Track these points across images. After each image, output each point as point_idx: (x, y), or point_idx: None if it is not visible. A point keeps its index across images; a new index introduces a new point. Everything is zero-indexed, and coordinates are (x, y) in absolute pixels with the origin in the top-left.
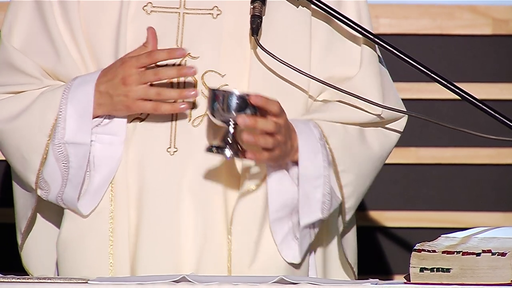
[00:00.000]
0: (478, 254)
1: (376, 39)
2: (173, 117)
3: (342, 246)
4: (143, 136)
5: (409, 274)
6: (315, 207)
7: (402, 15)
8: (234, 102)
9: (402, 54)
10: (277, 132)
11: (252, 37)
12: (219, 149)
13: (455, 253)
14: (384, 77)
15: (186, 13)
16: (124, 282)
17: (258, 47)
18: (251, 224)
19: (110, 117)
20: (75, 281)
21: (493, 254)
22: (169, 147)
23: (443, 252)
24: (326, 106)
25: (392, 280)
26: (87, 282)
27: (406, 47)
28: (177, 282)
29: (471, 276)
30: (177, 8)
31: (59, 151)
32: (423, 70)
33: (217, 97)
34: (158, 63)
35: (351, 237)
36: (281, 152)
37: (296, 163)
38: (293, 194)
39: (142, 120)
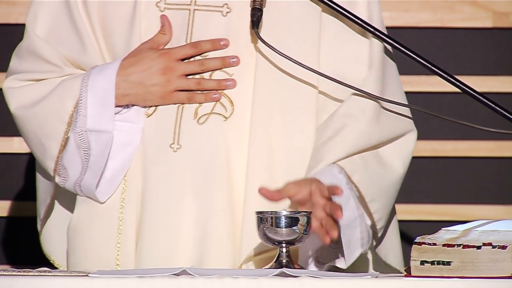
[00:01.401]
0: (478, 247)
1: (376, 32)
2: (178, 114)
3: (380, 255)
4: (148, 132)
5: (409, 267)
6: (356, 245)
7: (403, 8)
8: (283, 222)
9: (402, 47)
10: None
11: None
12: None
13: (456, 246)
14: (389, 77)
15: (197, 9)
16: (124, 276)
17: (264, 43)
18: None
19: (128, 105)
20: (76, 274)
21: (493, 247)
22: (173, 143)
23: (444, 245)
24: (339, 136)
25: (392, 273)
26: (87, 275)
27: (407, 40)
28: (178, 275)
29: (472, 269)
30: (188, 4)
31: (80, 139)
32: (423, 63)
33: (265, 220)
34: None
35: (394, 241)
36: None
37: None
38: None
39: (149, 115)
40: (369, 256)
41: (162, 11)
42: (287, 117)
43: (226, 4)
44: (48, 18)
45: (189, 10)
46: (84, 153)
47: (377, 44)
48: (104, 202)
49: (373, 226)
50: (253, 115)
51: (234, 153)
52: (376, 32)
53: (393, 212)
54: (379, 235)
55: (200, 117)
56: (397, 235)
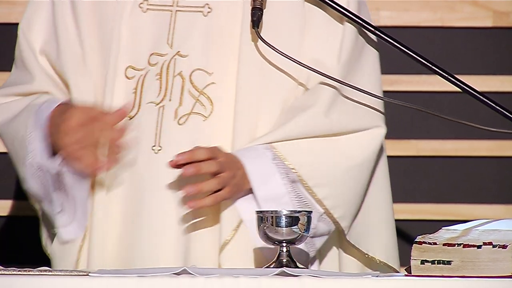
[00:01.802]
0: (479, 247)
1: (376, 32)
2: (159, 115)
3: (360, 248)
4: (130, 133)
5: (410, 267)
6: None
7: (403, 7)
8: (283, 221)
9: (402, 47)
10: (221, 170)
11: (243, 34)
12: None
13: (456, 245)
14: (363, 67)
15: (179, 10)
16: (124, 275)
17: (247, 43)
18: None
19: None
20: (76, 274)
21: (494, 246)
22: (154, 145)
23: (444, 245)
24: (281, 126)
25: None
26: (88, 275)
27: (407, 40)
28: (178, 275)
29: (472, 268)
30: (171, 5)
31: (31, 171)
32: (424, 63)
33: (265, 219)
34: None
35: (383, 234)
36: (232, 188)
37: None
38: None
39: (131, 117)
40: (337, 250)
41: (144, 12)
42: (271, 114)
43: (207, 4)
44: (40, 24)
45: (171, 11)
46: (38, 183)
47: (349, 33)
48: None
49: (328, 214)
50: (237, 113)
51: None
52: (375, 30)
53: (380, 203)
54: (343, 225)
55: (180, 118)
56: (388, 229)
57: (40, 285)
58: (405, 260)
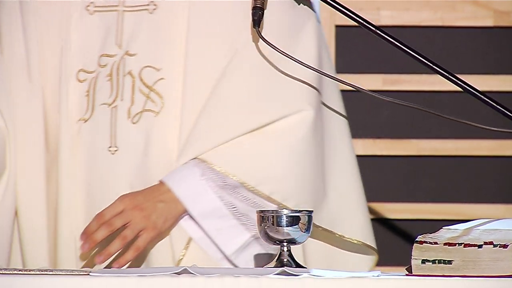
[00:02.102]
0: (479, 246)
1: (377, 31)
2: (113, 116)
3: (335, 231)
4: (87, 137)
5: (410, 266)
6: (236, 232)
7: (404, 7)
8: (284, 221)
9: (403, 46)
10: (126, 220)
11: (189, 29)
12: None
13: (457, 245)
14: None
15: (125, 10)
16: (125, 274)
17: (194, 38)
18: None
19: None
20: (77, 273)
21: (494, 246)
22: (110, 146)
23: (445, 244)
24: (196, 131)
25: (393, 272)
26: (88, 274)
27: (408, 39)
28: (179, 274)
29: (473, 268)
30: (117, 6)
31: None
32: (424, 62)
33: (266, 218)
34: None
35: (355, 213)
36: (154, 225)
37: None
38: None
39: (85, 120)
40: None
41: (91, 14)
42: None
43: (152, 1)
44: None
45: (118, 11)
46: None
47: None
48: None
49: (283, 207)
50: (183, 107)
51: (169, 147)
52: (376, 30)
53: (347, 184)
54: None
55: (134, 116)
56: (360, 209)
57: (41, 284)
58: (405, 260)
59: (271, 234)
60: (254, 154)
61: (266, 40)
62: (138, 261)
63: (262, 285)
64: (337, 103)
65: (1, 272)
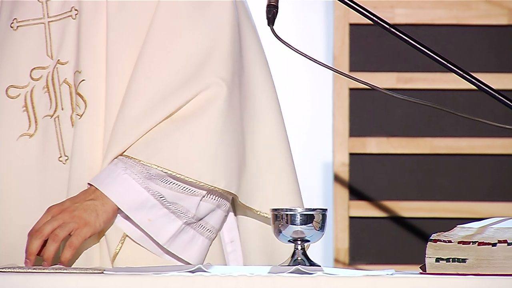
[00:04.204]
0: (494, 244)
1: (391, 29)
2: (57, 126)
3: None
4: (35, 151)
5: (424, 265)
6: (167, 220)
7: (418, 5)
8: (298, 219)
9: (417, 44)
10: (55, 225)
11: (109, 29)
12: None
13: (471, 243)
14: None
15: (51, 21)
16: (139, 273)
17: (114, 39)
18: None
19: None
20: (91, 272)
21: (508, 244)
22: (60, 157)
23: (459, 243)
24: (114, 129)
25: (407, 270)
26: (102, 273)
27: (422, 37)
28: (193, 273)
29: (487, 266)
30: (41, 18)
31: None
32: (439, 60)
33: (279, 217)
34: None
35: (276, 185)
36: (83, 223)
37: None
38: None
39: (31, 135)
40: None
41: (15, 30)
42: None
43: (73, 6)
44: None
45: (44, 23)
46: None
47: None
48: None
49: (214, 189)
50: (107, 108)
51: (96, 149)
52: (390, 28)
53: (272, 152)
54: (234, 189)
55: (73, 122)
56: (280, 178)
57: (54, 283)
58: (419, 258)
59: (284, 232)
60: (174, 141)
61: (282, 39)
62: (74, 259)
63: (276, 284)
64: (257, 59)
65: (16, 271)
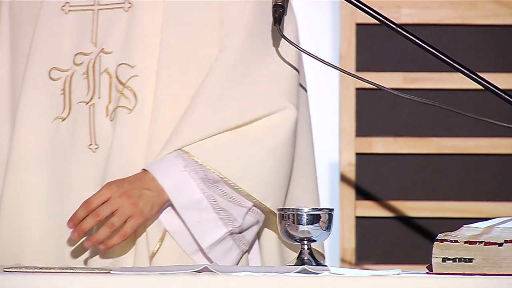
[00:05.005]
0: (500, 244)
1: (397, 29)
2: (91, 114)
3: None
4: (65, 135)
5: (431, 264)
6: (213, 226)
7: (424, 5)
8: (304, 219)
9: (424, 44)
10: (113, 208)
11: (165, 27)
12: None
13: (477, 243)
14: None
15: (100, 9)
16: (146, 272)
17: (169, 37)
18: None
19: None
20: (98, 272)
21: None
22: (91, 144)
23: (465, 242)
24: (182, 123)
25: (414, 270)
26: (109, 272)
27: (428, 37)
28: (199, 272)
29: (493, 266)
30: (92, 5)
31: None
32: (445, 60)
33: (286, 217)
34: None
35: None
36: (140, 213)
37: None
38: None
39: (63, 119)
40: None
41: (66, 14)
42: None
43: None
44: None
45: (93, 10)
46: None
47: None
48: None
49: (260, 205)
50: (155, 105)
51: (141, 145)
52: (397, 28)
53: (305, 185)
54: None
55: (111, 113)
56: (311, 198)
57: (62, 282)
58: (426, 258)
59: (291, 232)
60: (237, 151)
61: (287, 38)
62: (123, 247)
63: (282, 284)
64: (304, 102)
65: (23, 271)
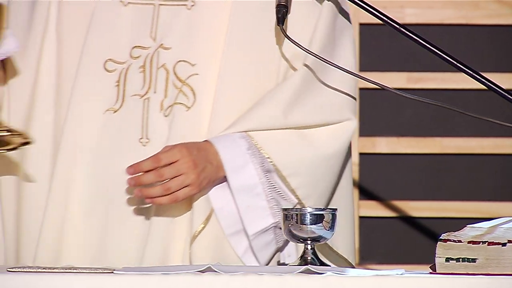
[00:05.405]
0: (503, 244)
1: (401, 29)
2: (145, 108)
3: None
4: (116, 127)
5: (434, 264)
6: (262, 214)
7: (427, 5)
8: (308, 219)
9: (427, 44)
10: (177, 173)
11: (230, 28)
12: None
13: (481, 243)
14: (336, 55)
15: (162, 4)
16: (149, 272)
17: (233, 38)
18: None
19: None
20: (101, 271)
21: None
22: (141, 138)
23: (469, 242)
24: (253, 111)
25: (417, 270)
26: (112, 272)
27: (431, 37)
28: (202, 272)
29: (497, 266)
30: (153, 0)
31: None
32: (449, 60)
33: (290, 217)
34: None
35: (344, 229)
36: (198, 185)
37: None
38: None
39: (115, 111)
40: None
41: (125, 6)
42: (248, 108)
43: None
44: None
45: (154, 5)
46: None
47: (325, 12)
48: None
49: (300, 204)
50: (215, 104)
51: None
52: (400, 28)
53: (343, 197)
54: None
55: (166, 109)
56: (348, 222)
57: (65, 282)
58: (429, 258)
59: (295, 232)
60: (295, 148)
61: (291, 38)
62: (160, 210)
63: (285, 283)
64: None
65: (26, 270)
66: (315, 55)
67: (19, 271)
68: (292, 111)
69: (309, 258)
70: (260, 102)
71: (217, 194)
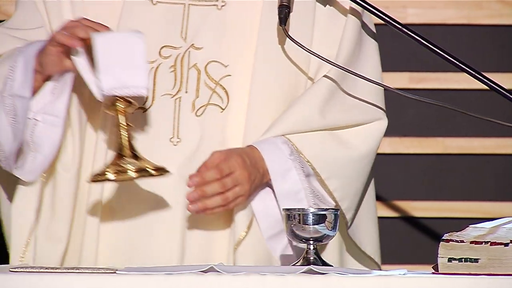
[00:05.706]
0: (506, 244)
1: (403, 29)
2: (176, 107)
3: (354, 240)
4: (145, 126)
5: (437, 265)
6: None
7: (429, 5)
8: (310, 219)
9: (430, 44)
10: (232, 185)
11: (262, 29)
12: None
13: (483, 243)
14: (363, 60)
15: (192, 4)
16: (152, 272)
17: (265, 38)
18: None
19: (54, 95)
20: (104, 271)
21: None
22: (172, 137)
23: (471, 242)
24: (288, 113)
25: (420, 270)
26: (115, 272)
27: (433, 37)
28: (205, 272)
29: (499, 266)
30: None
31: (8, 104)
32: (451, 60)
33: (292, 217)
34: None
35: (370, 228)
36: (248, 195)
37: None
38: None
39: (145, 110)
40: (340, 238)
41: (154, 4)
42: (283, 108)
43: None
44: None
45: (184, 4)
46: (13, 120)
47: (350, 24)
48: (27, 183)
49: (337, 207)
50: (250, 106)
51: (231, 144)
52: (402, 28)
53: (369, 198)
54: (348, 216)
55: (198, 109)
56: (373, 222)
57: (67, 282)
58: (432, 258)
59: (297, 232)
60: (329, 149)
61: (292, 38)
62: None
63: (288, 283)
64: None
65: (29, 270)
66: (317, 55)
67: (21, 271)
68: (329, 112)
69: (311, 258)
70: (295, 103)
71: (255, 196)
